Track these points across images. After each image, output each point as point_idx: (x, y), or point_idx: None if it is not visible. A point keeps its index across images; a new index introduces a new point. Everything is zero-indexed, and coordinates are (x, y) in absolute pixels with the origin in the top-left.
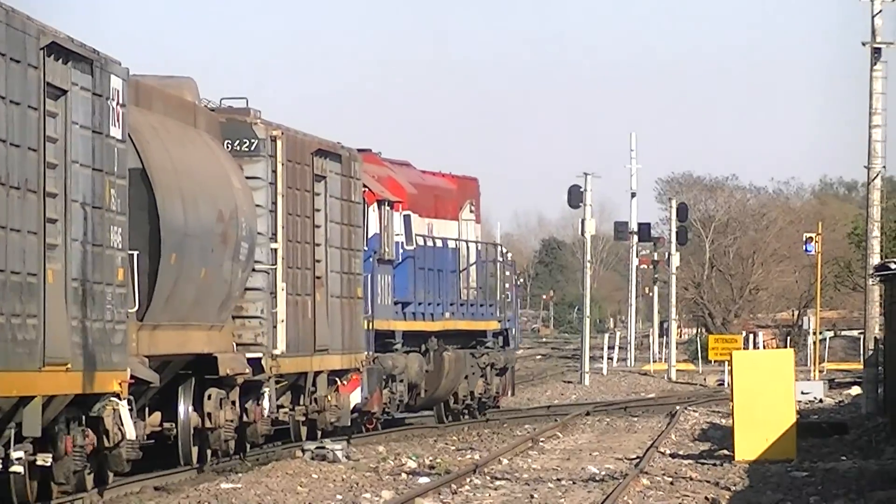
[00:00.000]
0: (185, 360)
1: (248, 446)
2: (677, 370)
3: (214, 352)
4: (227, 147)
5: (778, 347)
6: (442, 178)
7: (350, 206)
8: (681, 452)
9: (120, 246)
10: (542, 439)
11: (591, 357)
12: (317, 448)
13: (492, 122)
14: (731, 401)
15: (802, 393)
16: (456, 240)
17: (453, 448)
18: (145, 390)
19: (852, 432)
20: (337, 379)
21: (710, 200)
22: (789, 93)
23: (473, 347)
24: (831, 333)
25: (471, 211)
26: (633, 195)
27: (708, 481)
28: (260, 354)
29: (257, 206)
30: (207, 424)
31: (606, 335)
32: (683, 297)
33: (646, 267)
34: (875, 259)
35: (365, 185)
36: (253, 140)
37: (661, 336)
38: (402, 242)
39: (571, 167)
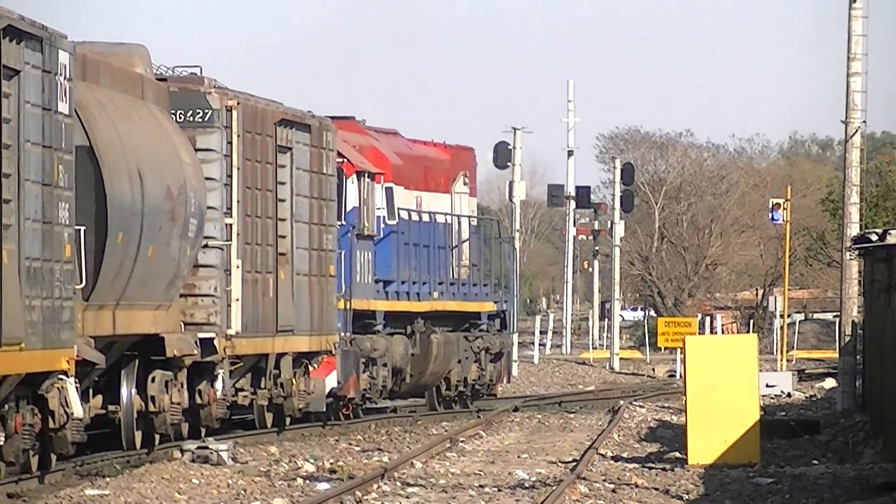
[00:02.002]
0: (130, 341)
1: (204, 430)
2: (621, 359)
3: (161, 332)
4: (180, 118)
5: (739, 332)
6: (433, 147)
7: (321, 179)
8: (625, 455)
9: (67, 222)
10: (462, 439)
11: (519, 343)
12: (198, 448)
13: (409, 70)
14: (684, 395)
15: (767, 386)
16: (447, 214)
17: (358, 449)
18: (89, 372)
19: (825, 432)
20: (307, 362)
21: (660, 160)
22: (753, 35)
23: (467, 330)
24: (801, 316)
25: (465, 183)
26: (571, 154)
27: (656, 489)
28: (213, 335)
29: (211, 179)
30: (151, 408)
31: (538, 318)
32: (629, 274)
33: (585, 238)
34: (853, 229)
35: (343, 156)
36: (206, 110)
37: (602, 319)
38: (384, 217)
39: (498, 121)
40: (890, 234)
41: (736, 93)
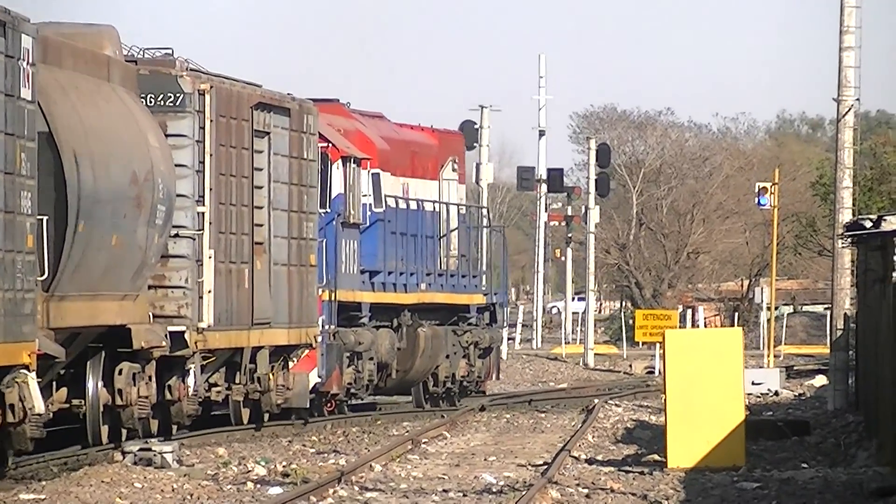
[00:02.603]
0: (95, 333)
1: (175, 427)
2: (596, 354)
3: (128, 323)
4: (150, 102)
5: (723, 326)
6: (421, 131)
7: (302, 165)
8: (600, 457)
9: (29, 212)
10: (424, 440)
11: None
12: (140, 450)
13: (369, 43)
14: (664, 393)
15: (753, 384)
16: (435, 202)
17: (313, 450)
18: (52, 365)
19: (816, 433)
20: (286, 356)
21: (638, 141)
22: (739, 4)
23: (455, 324)
24: (790, 309)
25: (454, 170)
26: (542, 134)
27: (633, 494)
28: (183, 327)
29: (182, 165)
30: (118, 402)
31: (506, 310)
32: (605, 263)
33: (557, 224)
34: (846, 215)
35: (328, 140)
36: (178, 94)
37: (575, 311)
38: (371, 204)
39: (464, 98)
40: (885, 220)
41: (720, 68)
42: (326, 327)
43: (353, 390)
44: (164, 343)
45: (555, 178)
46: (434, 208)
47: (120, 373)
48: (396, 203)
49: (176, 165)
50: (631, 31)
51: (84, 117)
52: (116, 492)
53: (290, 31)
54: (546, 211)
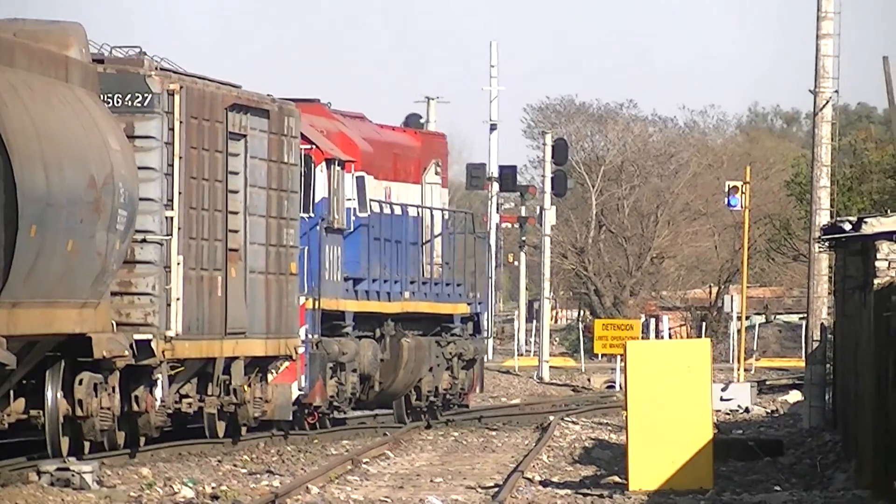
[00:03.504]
0: (53, 342)
1: (143, 440)
2: (552, 367)
3: (88, 332)
4: (117, 102)
5: (689, 337)
6: (403, 133)
7: (282, 169)
8: (555, 479)
9: None
10: (365, 460)
11: None
12: (58, 470)
13: (308, 30)
14: (625, 410)
15: (722, 399)
16: (419, 206)
17: (244, 471)
18: (9, 374)
19: (789, 453)
20: (266, 368)
21: (598, 136)
22: None
23: (438, 334)
24: (762, 319)
25: (437, 173)
26: (494, 128)
27: None
28: (150, 336)
29: (149, 168)
30: (79, 413)
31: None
32: (561, 269)
33: (510, 226)
34: (823, 217)
35: (311, 142)
36: (146, 94)
37: (529, 321)
38: (355, 208)
39: (409, 89)
40: (866, 222)
41: (687, 57)
42: (309, 336)
43: (335, 403)
44: (126, 352)
45: (507, 177)
46: (417, 213)
47: (80, 383)
48: (381, 208)
49: (143, 168)
50: (591, 17)
51: (37, 119)
52: None
53: (235, 25)
54: (498, 212)
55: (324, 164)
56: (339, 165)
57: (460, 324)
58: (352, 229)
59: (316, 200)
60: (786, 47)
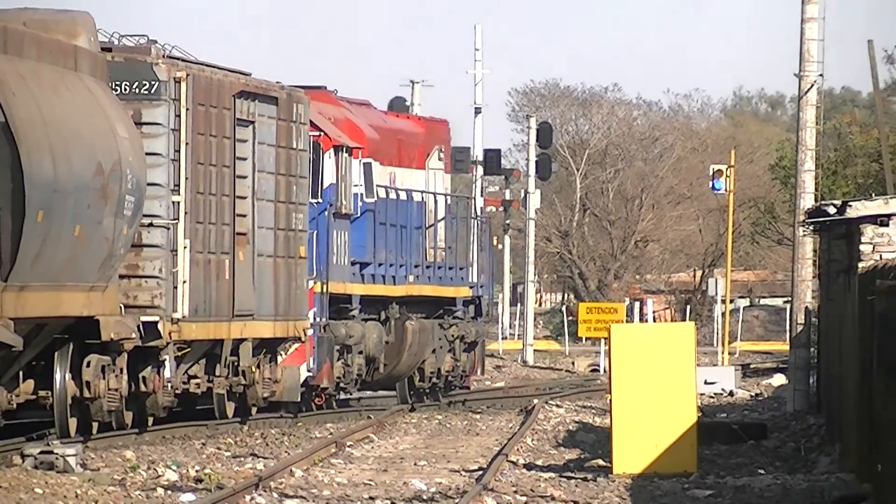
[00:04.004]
0: (62, 324)
1: (151, 420)
2: (536, 350)
3: (96, 314)
4: (125, 90)
5: (674, 320)
6: (407, 119)
7: (290, 155)
8: (539, 462)
9: None
10: (349, 443)
11: None
12: (41, 453)
13: (292, 12)
14: (609, 393)
15: (707, 383)
16: (423, 192)
17: (228, 454)
18: (17, 356)
19: (773, 437)
20: (275, 349)
21: (582, 119)
22: None
23: (440, 317)
24: (746, 302)
25: (439, 159)
26: (478, 111)
27: (576, 502)
28: (157, 318)
29: (157, 154)
30: (87, 394)
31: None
32: (545, 252)
33: (494, 210)
34: (808, 201)
35: (320, 129)
36: (153, 82)
37: (513, 304)
38: (362, 194)
39: (394, 73)
40: (850, 206)
41: (671, 40)
42: (318, 319)
43: (342, 385)
44: (133, 335)
45: (492, 160)
46: (421, 198)
47: (88, 365)
48: (387, 193)
49: (150, 154)
50: (576, 0)
51: (45, 108)
52: (14, 498)
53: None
54: (482, 195)
55: (332, 150)
56: (346, 152)
57: (462, 307)
58: (359, 214)
59: (324, 186)
60: (771, 31)
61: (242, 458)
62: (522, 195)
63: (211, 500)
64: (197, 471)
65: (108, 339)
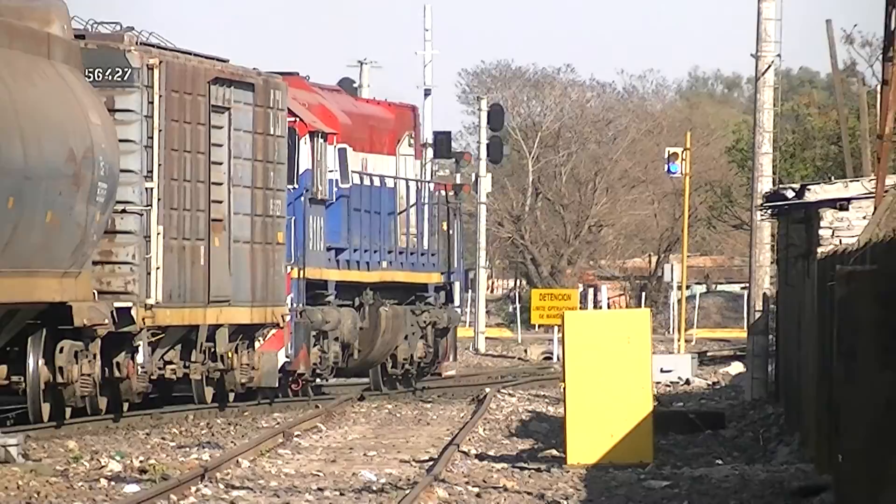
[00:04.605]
0: (35, 310)
1: (126, 405)
2: (487, 338)
3: (69, 300)
4: (98, 77)
5: (629, 307)
6: (377, 105)
7: (267, 140)
8: (491, 453)
9: None
10: (297, 433)
11: None
12: None
13: None
14: (563, 382)
15: (663, 371)
16: (394, 178)
17: (173, 444)
18: None
19: (732, 426)
20: (252, 336)
21: (534, 101)
22: None
23: (412, 303)
24: (703, 288)
25: (410, 145)
26: (428, 93)
27: (529, 493)
28: (130, 304)
29: (129, 141)
30: (59, 379)
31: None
32: (497, 237)
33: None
34: (765, 184)
35: (295, 115)
36: (126, 69)
37: (465, 291)
38: (337, 180)
39: (341, 53)
40: (809, 189)
41: (625, 20)
42: (294, 305)
43: (318, 371)
44: (106, 321)
45: (442, 143)
46: (393, 184)
47: (61, 351)
48: (361, 179)
49: (124, 141)
50: None
51: (16, 94)
52: None
53: None
54: (432, 179)
55: (307, 136)
56: (321, 138)
57: (434, 293)
58: (334, 200)
59: (300, 172)
60: (727, 10)
61: (188, 449)
62: (473, 179)
63: (155, 491)
64: (141, 461)
65: (81, 325)
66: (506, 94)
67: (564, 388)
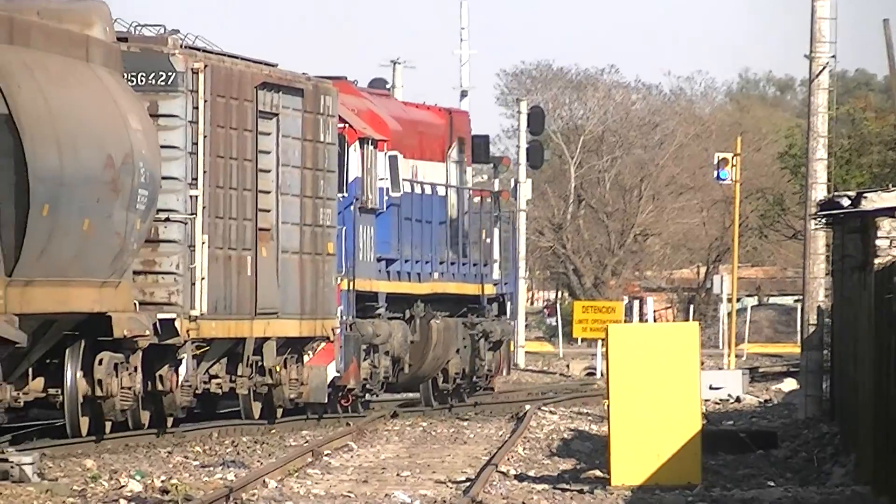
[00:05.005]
0: (72, 321)
1: (170, 420)
2: (528, 353)
3: (108, 311)
4: (141, 81)
5: (676, 320)
6: (427, 110)
7: (317, 148)
8: (531, 473)
9: None
10: (327, 451)
11: None
12: None
13: None
14: (607, 399)
15: (712, 388)
16: (445, 185)
17: (196, 463)
18: (26, 353)
19: (784, 446)
20: (301, 349)
21: (577, 104)
22: None
23: (464, 315)
24: (754, 301)
25: (461, 151)
26: (465, 95)
27: None
28: (174, 315)
29: (173, 147)
30: (98, 392)
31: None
32: (537, 246)
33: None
34: (820, 192)
35: (345, 121)
36: (170, 73)
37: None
38: (388, 188)
39: (374, 52)
40: (865, 197)
41: (672, 18)
42: (344, 318)
43: (368, 386)
44: (147, 332)
45: (479, 147)
46: (445, 192)
47: (100, 363)
48: (411, 187)
49: (167, 147)
50: None
51: (52, 99)
52: None
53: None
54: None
55: (357, 143)
56: (372, 145)
57: (487, 304)
58: (384, 209)
59: (350, 180)
60: (780, 9)
61: (212, 468)
62: (512, 185)
63: None
64: (163, 481)
65: (121, 336)
66: (546, 95)
67: (608, 406)
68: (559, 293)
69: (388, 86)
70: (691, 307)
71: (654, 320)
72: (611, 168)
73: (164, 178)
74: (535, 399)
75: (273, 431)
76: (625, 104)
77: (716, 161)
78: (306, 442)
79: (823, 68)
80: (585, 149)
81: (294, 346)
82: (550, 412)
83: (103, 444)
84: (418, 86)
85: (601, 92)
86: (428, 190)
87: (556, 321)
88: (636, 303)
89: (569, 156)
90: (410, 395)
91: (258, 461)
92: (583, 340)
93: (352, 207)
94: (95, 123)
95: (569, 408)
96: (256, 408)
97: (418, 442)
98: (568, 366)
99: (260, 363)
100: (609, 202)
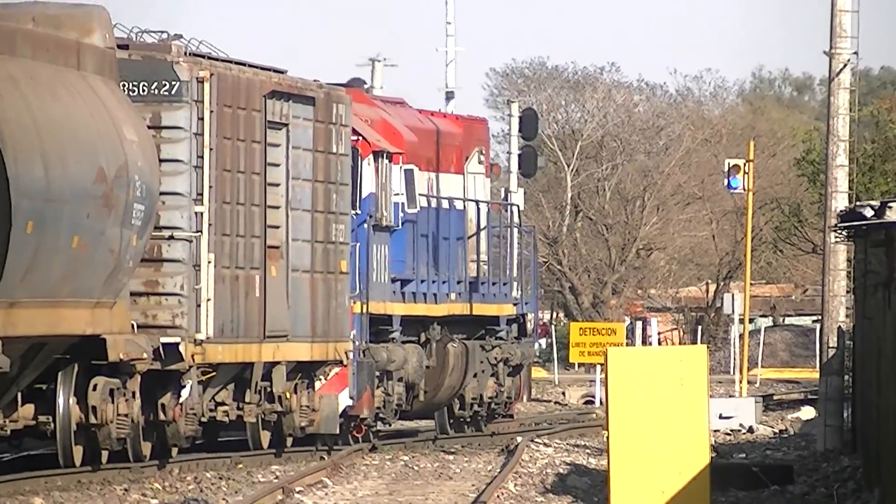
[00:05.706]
0: (64, 344)
1: (174, 450)
2: None
3: (102, 333)
4: (143, 91)
5: (682, 342)
6: (444, 118)
7: (329, 160)
8: None
9: None
10: (299, 489)
11: None
12: None
13: None
14: (606, 429)
15: (721, 417)
16: (463, 199)
17: (155, 501)
18: (15, 378)
19: (801, 481)
20: (312, 374)
21: (574, 105)
22: None
23: (482, 338)
24: (769, 321)
25: (479, 161)
26: (451, 96)
27: None
28: (178, 339)
29: (176, 161)
30: (93, 420)
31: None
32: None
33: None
34: (840, 201)
35: (357, 133)
36: (173, 82)
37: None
38: (403, 204)
39: (352, 50)
40: (890, 207)
41: (678, 13)
42: (357, 343)
43: (381, 415)
44: (145, 355)
45: None
46: (463, 206)
47: (94, 388)
48: (428, 202)
49: (171, 161)
50: None
51: (37, 110)
52: None
53: None
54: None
55: (371, 157)
56: (386, 158)
57: (506, 326)
58: (399, 226)
59: (363, 196)
60: (797, 1)
61: None
62: (503, 195)
63: None
64: None
65: (117, 360)
66: (540, 97)
67: (608, 437)
68: (554, 313)
69: (366, 86)
70: (699, 328)
71: (659, 343)
72: (611, 176)
73: (167, 193)
74: (528, 430)
75: (240, 466)
76: (626, 106)
77: (726, 168)
78: (276, 478)
79: (845, 66)
80: (583, 155)
81: (305, 371)
82: (544, 444)
83: (53, 481)
84: (400, 86)
85: (600, 93)
86: (445, 204)
87: (551, 343)
88: (639, 324)
89: (565, 163)
90: (423, 422)
91: (224, 499)
92: (580, 365)
93: (365, 225)
94: (86, 135)
95: (564, 439)
96: (265, 437)
97: (399, 478)
98: (564, 393)
99: (269, 389)
100: (609, 213)
